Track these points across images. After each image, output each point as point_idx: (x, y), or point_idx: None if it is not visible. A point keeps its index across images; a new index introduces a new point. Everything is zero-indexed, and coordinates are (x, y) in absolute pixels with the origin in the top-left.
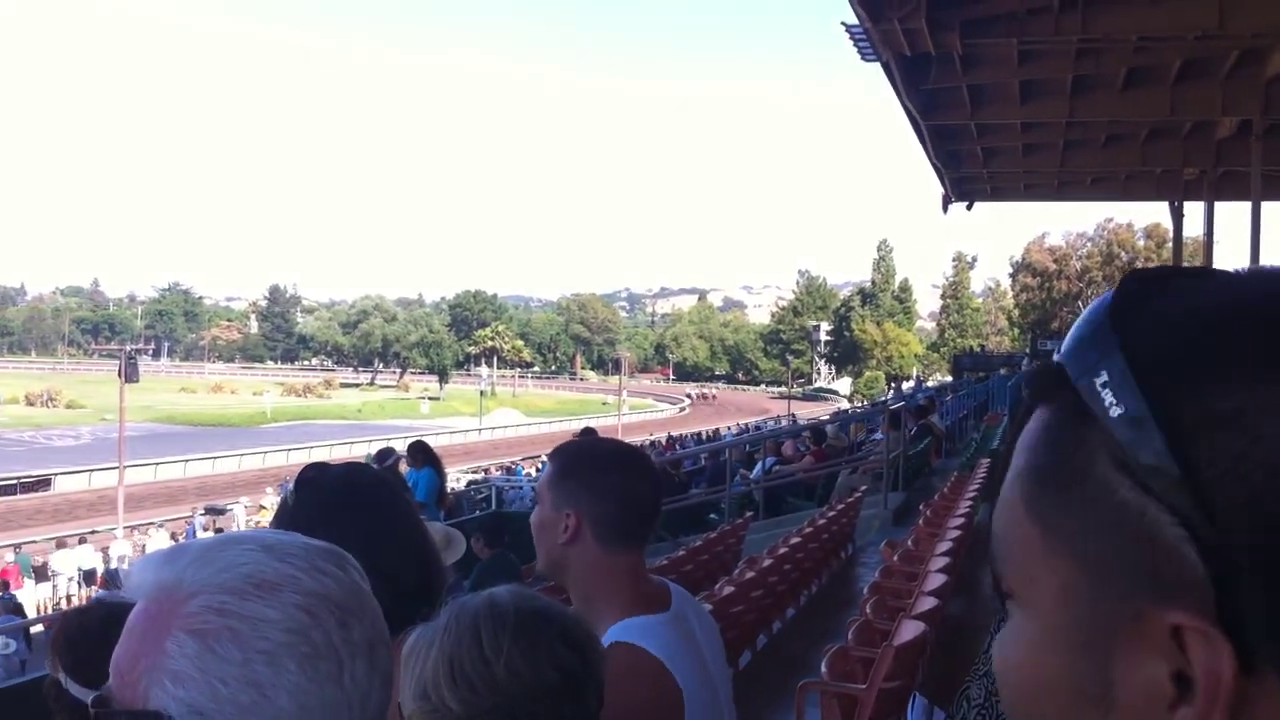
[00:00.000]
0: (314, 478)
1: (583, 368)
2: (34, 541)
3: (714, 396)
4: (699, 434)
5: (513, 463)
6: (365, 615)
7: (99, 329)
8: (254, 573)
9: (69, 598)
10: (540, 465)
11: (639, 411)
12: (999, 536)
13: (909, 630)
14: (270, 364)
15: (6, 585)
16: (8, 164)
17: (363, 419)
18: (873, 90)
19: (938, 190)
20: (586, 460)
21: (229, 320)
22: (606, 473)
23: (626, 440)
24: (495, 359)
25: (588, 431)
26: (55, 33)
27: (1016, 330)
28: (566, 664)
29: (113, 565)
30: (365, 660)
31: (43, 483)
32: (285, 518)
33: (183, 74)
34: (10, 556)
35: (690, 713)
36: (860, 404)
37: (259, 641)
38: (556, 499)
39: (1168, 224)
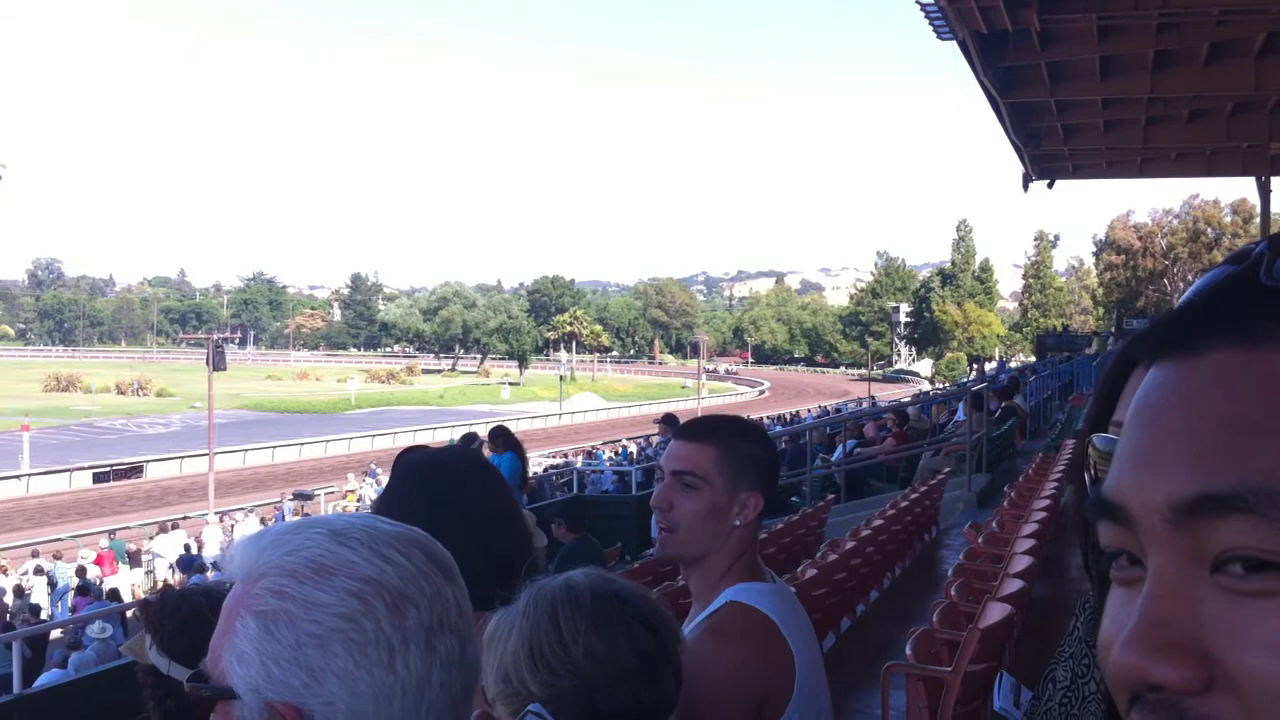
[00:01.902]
0: (410, 457)
1: (661, 352)
2: (128, 528)
3: (736, 371)
4: (779, 417)
5: (593, 447)
6: (423, 602)
7: (186, 318)
8: (315, 556)
9: (162, 582)
10: (621, 449)
11: (718, 395)
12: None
13: (994, 612)
14: (353, 351)
15: (84, 571)
16: (96, 159)
17: (444, 405)
18: (950, 69)
19: (1018, 169)
20: (750, 436)
21: (312, 308)
22: (769, 447)
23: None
24: (574, 344)
25: (669, 418)
26: (138, 27)
27: (1101, 309)
28: (643, 645)
29: (204, 550)
30: (421, 647)
31: (135, 470)
32: (383, 495)
33: (265, 66)
34: (105, 542)
35: (801, 678)
36: (942, 385)
37: (309, 625)
38: (732, 481)
39: (1254, 199)
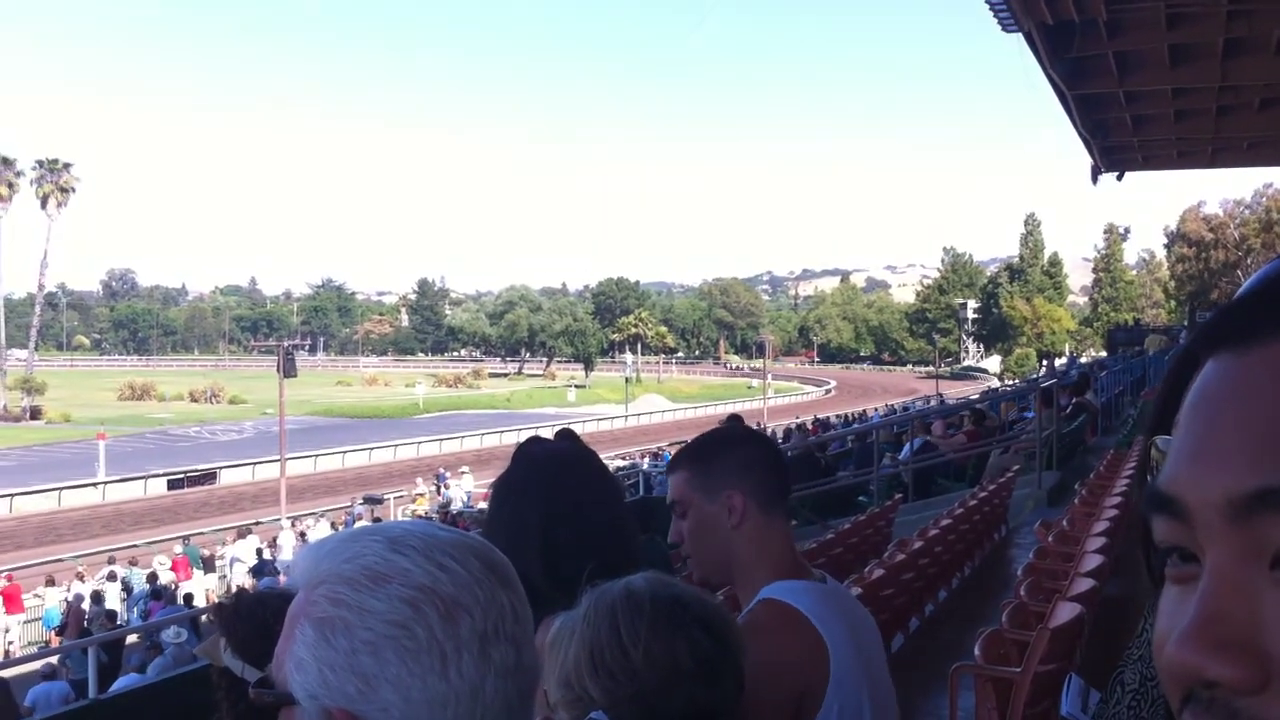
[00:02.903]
0: (530, 449)
1: (726, 352)
2: (202, 533)
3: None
4: (845, 416)
5: (660, 448)
6: (477, 609)
7: (257, 326)
8: (370, 564)
9: (236, 587)
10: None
11: (784, 394)
12: None
13: (1065, 612)
14: (421, 356)
15: (155, 577)
16: (168, 170)
17: (511, 408)
18: (1015, 61)
19: (1086, 161)
20: (713, 444)
21: (380, 314)
22: (742, 445)
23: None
24: (639, 345)
25: (733, 419)
26: (208, 37)
27: (1173, 302)
28: (704, 651)
29: (278, 555)
30: (474, 654)
31: (209, 476)
32: (499, 485)
33: (332, 75)
34: (179, 548)
35: (836, 669)
36: (1011, 382)
37: (364, 632)
38: (709, 489)
39: None
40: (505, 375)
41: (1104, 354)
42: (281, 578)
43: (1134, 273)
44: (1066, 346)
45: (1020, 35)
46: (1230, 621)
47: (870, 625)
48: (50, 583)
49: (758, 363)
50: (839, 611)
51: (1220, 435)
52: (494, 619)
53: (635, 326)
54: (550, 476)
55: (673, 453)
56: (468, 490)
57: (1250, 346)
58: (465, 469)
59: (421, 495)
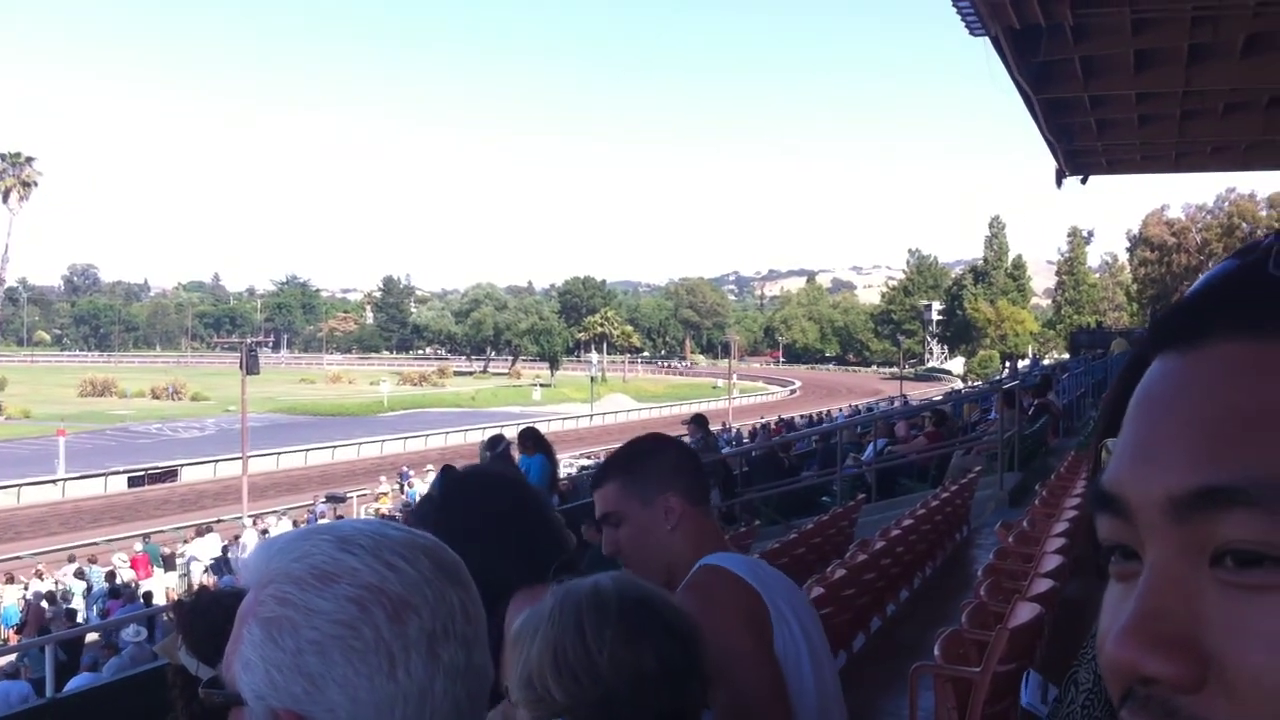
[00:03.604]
0: (451, 471)
1: (692, 352)
2: (162, 531)
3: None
4: (810, 416)
5: (592, 474)
6: (426, 609)
7: (220, 323)
8: (318, 563)
9: (197, 585)
10: None
11: (749, 394)
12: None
13: (1024, 612)
14: (386, 354)
15: (114, 575)
16: (130, 165)
17: (476, 406)
18: (981, 65)
19: (1051, 165)
20: (639, 453)
21: (345, 312)
22: (663, 451)
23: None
24: (605, 345)
25: (698, 418)
26: (171, 31)
27: (1135, 305)
28: (669, 654)
29: (239, 554)
30: (423, 654)
31: (170, 473)
32: (423, 502)
33: (295, 71)
34: (140, 546)
35: (778, 631)
36: (974, 383)
37: (310, 632)
38: (644, 496)
39: None
40: (470, 374)
41: (1066, 356)
42: (240, 577)
43: (1097, 276)
44: (1029, 348)
45: (987, 39)
46: (1168, 618)
47: (798, 590)
48: (9, 580)
49: (723, 362)
50: (770, 575)
51: (1163, 434)
52: (443, 619)
53: (601, 326)
54: (468, 494)
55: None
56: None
57: (1194, 346)
58: (430, 467)
59: (385, 494)
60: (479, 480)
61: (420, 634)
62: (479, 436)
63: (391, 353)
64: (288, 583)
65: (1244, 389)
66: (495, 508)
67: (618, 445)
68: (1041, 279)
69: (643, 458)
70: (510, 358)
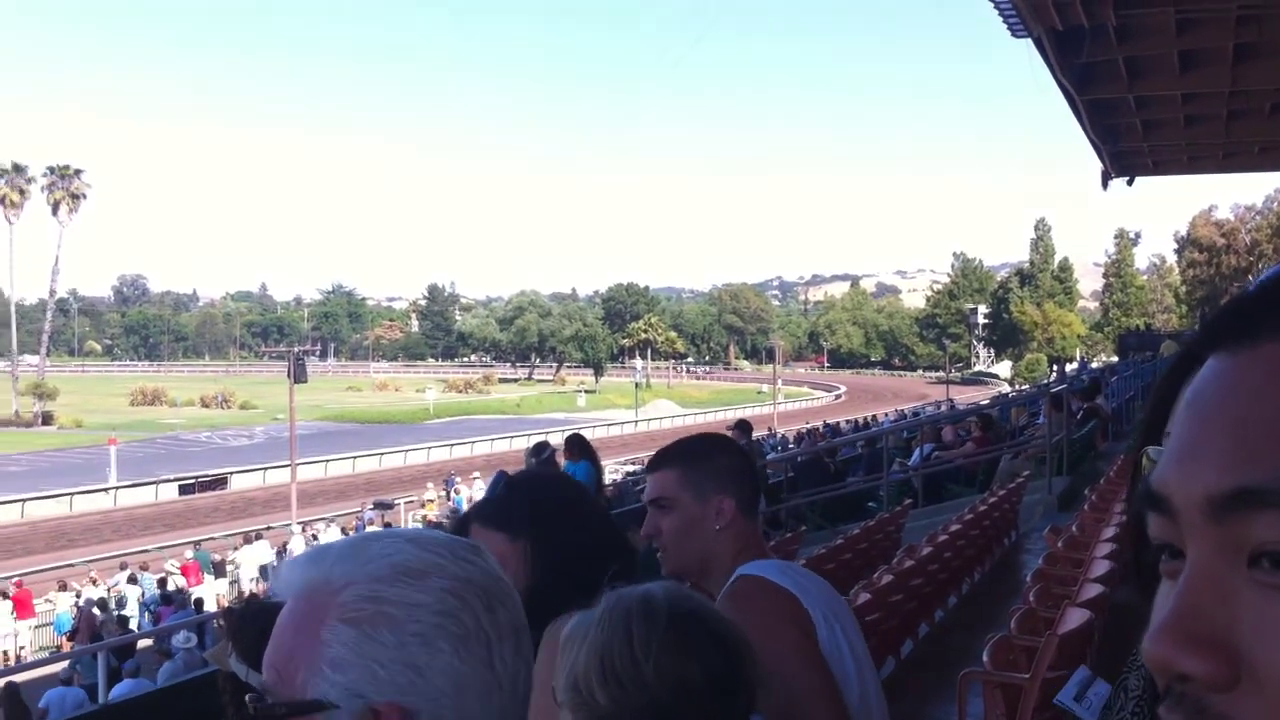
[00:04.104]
0: (514, 478)
1: (736, 358)
2: (213, 538)
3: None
4: (855, 421)
5: (652, 454)
6: (508, 601)
7: (268, 332)
8: (400, 562)
9: (247, 592)
10: None
11: (794, 400)
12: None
13: (1074, 618)
14: (431, 361)
15: (164, 582)
16: (179, 176)
17: (521, 413)
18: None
19: (1096, 166)
20: (704, 448)
21: (391, 320)
22: (730, 454)
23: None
24: (649, 351)
25: (742, 424)
26: (216, 45)
27: (1184, 307)
28: (717, 667)
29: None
30: (511, 643)
31: (220, 481)
32: (483, 505)
33: (340, 81)
34: (190, 553)
35: (823, 643)
36: (1021, 387)
37: (412, 625)
38: (699, 491)
39: None
40: (515, 381)
41: (1115, 359)
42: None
43: (1145, 278)
44: (1077, 352)
45: (1030, 41)
46: (1204, 617)
47: (836, 594)
48: (62, 588)
49: (768, 368)
50: (808, 580)
51: (1207, 434)
52: (519, 612)
53: (645, 332)
54: (533, 503)
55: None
56: (479, 496)
57: (1245, 346)
58: (475, 474)
59: (431, 500)
60: (543, 482)
61: (508, 624)
62: (524, 443)
63: (437, 360)
64: (373, 582)
65: None
66: (561, 509)
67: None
68: (1088, 281)
69: (707, 454)
70: (555, 364)
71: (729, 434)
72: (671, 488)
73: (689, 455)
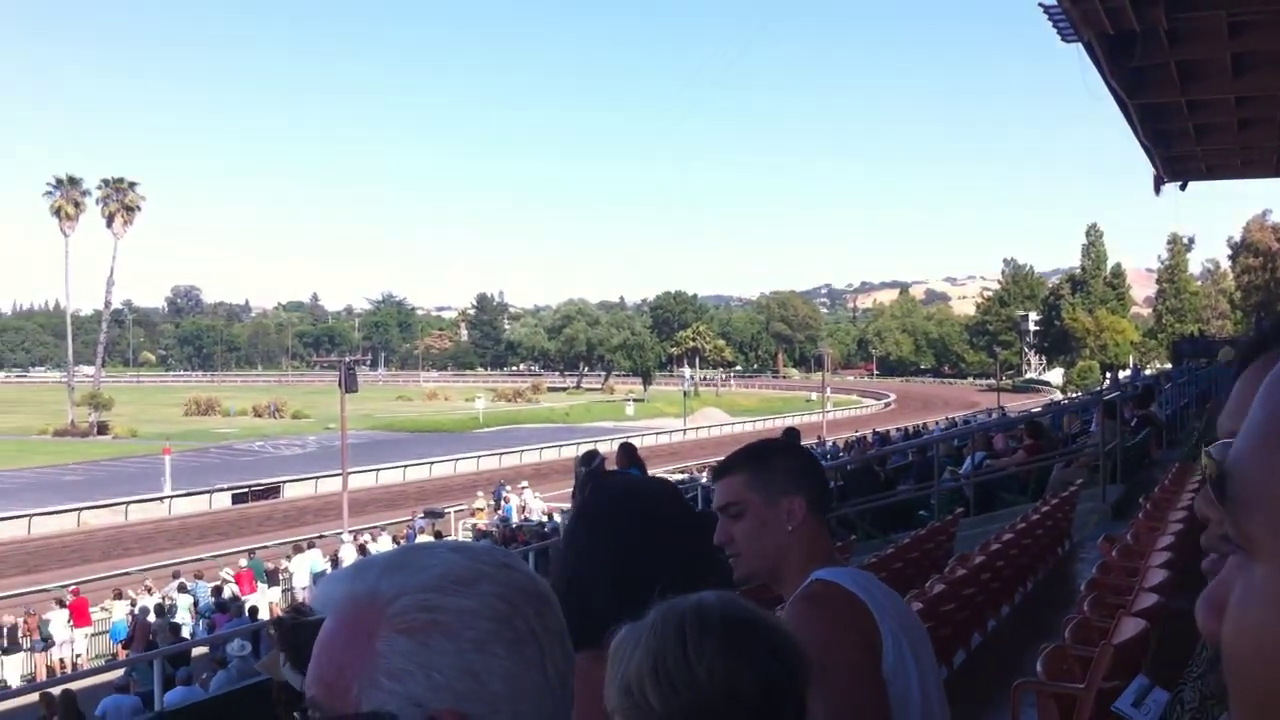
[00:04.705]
0: (605, 481)
1: (785, 365)
2: (265, 547)
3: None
4: (905, 429)
5: (718, 462)
6: (553, 605)
7: (320, 341)
8: (448, 571)
9: (301, 600)
10: None
11: (844, 408)
12: (1245, 481)
13: (1129, 628)
14: (480, 370)
15: (219, 590)
16: (231, 188)
17: (570, 422)
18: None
19: (1148, 171)
20: (772, 451)
21: (440, 329)
22: (795, 454)
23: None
24: (697, 359)
25: (790, 432)
26: (268, 57)
27: (1239, 313)
28: (770, 673)
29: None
30: (559, 647)
31: (273, 490)
32: (575, 516)
33: (386, 90)
34: (244, 562)
35: (888, 647)
36: (1074, 395)
37: (467, 631)
38: (770, 493)
39: None
40: (564, 389)
41: (1168, 366)
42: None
43: (1198, 283)
44: (1130, 358)
45: (1080, 45)
46: (1224, 585)
47: (909, 610)
48: (118, 596)
49: (816, 376)
50: (881, 593)
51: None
52: (559, 616)
53: (693, 340)
54: (624, 510)
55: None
56: (528, 504)
57: None
58: (524, 483)
59: (481, 509)
60: (634, 494)
61: (557, 628)
62: (573, 452)
63: (486, 369)
64: (424, 592)
65: None
66: (651, 526)
67: (722, 455)
68: (1141, 287)
69: (774, 455)
70: (603, 373)
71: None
72: (740, 492)
73: (755, 458)
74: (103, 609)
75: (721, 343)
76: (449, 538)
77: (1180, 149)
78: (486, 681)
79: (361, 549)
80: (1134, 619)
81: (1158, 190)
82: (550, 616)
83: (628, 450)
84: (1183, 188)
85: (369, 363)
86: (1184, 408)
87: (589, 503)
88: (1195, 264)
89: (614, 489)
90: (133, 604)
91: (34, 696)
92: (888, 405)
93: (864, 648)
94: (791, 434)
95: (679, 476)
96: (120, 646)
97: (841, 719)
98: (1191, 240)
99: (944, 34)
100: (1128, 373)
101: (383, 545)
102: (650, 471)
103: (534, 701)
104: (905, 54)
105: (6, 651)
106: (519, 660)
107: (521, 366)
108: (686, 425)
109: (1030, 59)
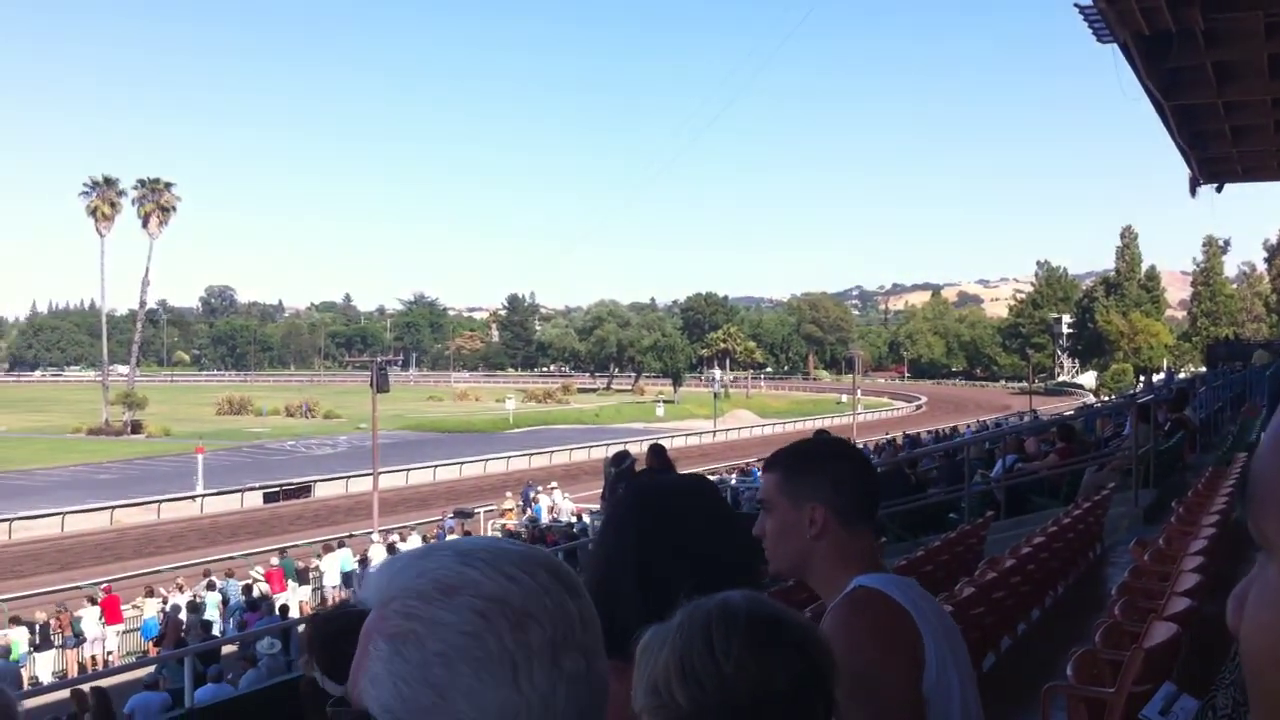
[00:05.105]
0: (639, 481)
1: (815, 367)
2: (296, 545)
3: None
4: (935, 432)
5: (748, 464)
6: (546, 618)
7: (352, 342)
8: (440, 577)
9: (330, 600)
10: None
11: (874, 410)
12: (1263, 482)
13: (1160, 632)
14: (511, 371)
15: (250, 589)
16: (265, 188)
17: (600, 423)
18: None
19: (1184, 173)
20: (812, 456)
21: (471, 330)
22: (835, 461)
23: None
24: (728, 361)
25: (821, 434)
26: (301, 59)
27: (1275, 316)
28: (798, 671)
29: (370, 568)
30: (545, 663)
31: (304, 490)
32: (607, 517)
33: (417, 91)
34: (275, 560)
35: (931, 656)
36: (1107, 398)
37: (435, 644)
38: (795, 498)
39: None
40: (594, 391)
41: (1203, 369)
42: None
43: (1234, 286)
44: (1164, 361)
45: (1116, 46)
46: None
47: (948, 616)
48: (149, 594)
49: (847, 378)
50: (923, 600)
51: None
52: (563, 628)
53: (724, 342)
54: (653, 515)
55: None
56: (558, 504)
57: None
58: (554, 484)
59: (510, 510)
60: (668, 496)
61: (543, 643)
62: (603, 453)
63: (517, 370)
64: (412, 597)
65: None
66: (683, 528)
67: (751, 457)
68: (1176, 290)
69: (806, 460)
70: (633, 374)
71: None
72: (771, 491)
73: (791, 460)
74: (134, 606)
75: (752, 344)
76: (477, 536)
77: (1216, 150)
78: (450, 699)
79: (391, 548)
80: (1166, 623)
81: (1193, 192)
82: (536, 631)
83: (658, 452)
84: (1218, 189)
85: (400, 363)
86: (1218, 411)
87: (619, 504)
88: (1231, 266)
89: (644, 490)
90: (164, 601)
91: (65, 693)
92: (919, 408)
93: (906, 658)
94: (821, 435)
95: (710, 478)
96: (151, 644)
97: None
98: (1227, 243)
99: (978, 34)
100: (1161, 376)
101: (412, 545)
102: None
103: None
104: (940, 54)
105: (39, 648)
106: (487, 679)
107: (552, 367)
108: (716, 427)
109: (1065, 60)
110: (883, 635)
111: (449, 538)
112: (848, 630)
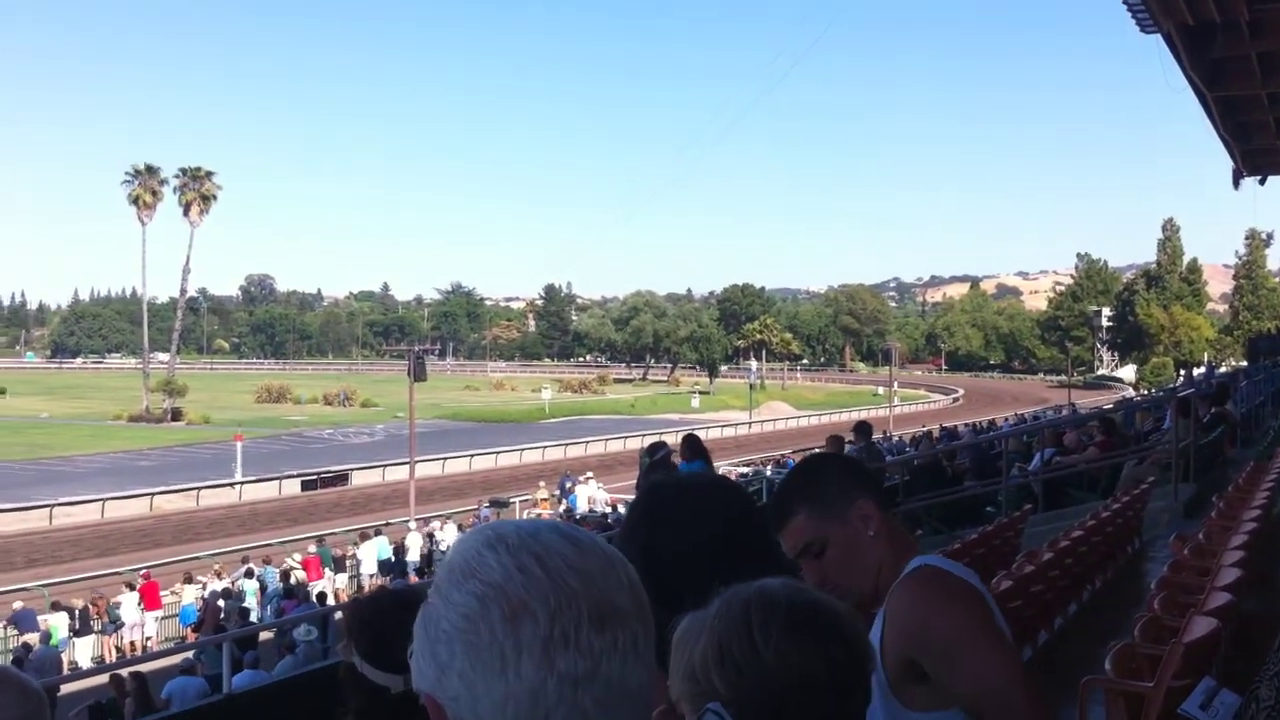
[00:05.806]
0: (646, 477)
1: (852, 359)
2: (334, 533)
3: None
4: (973, 424)
5: (783, 455)
6: (544, 614)
7: (389, 331)
8: (466, 558)
9: (369, 587)
10: None
11: (911, 402)
12: None
13: (1200, 627)
14: (547, 361)
15: (287, 576)
16: (305, 178)
17: (636, 414)
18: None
19: (1226, 165)
20: (810, 475)
21: (508, 320)
22: (838, 463)
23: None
24: (764, 352)
25: (863, 426)
26: (341, 48)
27: None
28: (836, 657)
29: (406, 555)
30: (535, 658)
31: (341, 478)
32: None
33: (456, 83)
34: (312, 548)
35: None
36: (1147, 392)
37: (443, 622)
38: (837, 514)
39: None
40: (630, 381)
41: (1245, 363)
42: (412, 577)
43: (1277, 280)
44: (1205, 355)
45: (1159, 36)
46: None
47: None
48: (188, 580)
49: (884, 370)
50: (978, 581)
51: None
52: (564, 626)
53: (760, 333)
54: (650, 511)
55: (776, 501)
56: (593, 495)
57: None
58: (589, 474)
59: (544, 499)
60: (664, 493)
61: (534, 638)
62: (638, 443)
63: (553, 360)
64: (445, 575)
65: None
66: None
67: (811, 447)
68: (1218, 283)
69: (819, 476)
70: (669, 365)
71: (833, 440)
72: (811, 529)
73: (803, 490)
74: (172, 593)
75: (788, 336)
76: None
77: (1260, 142)
78: (448, 675)
79: (428, 537)
80: (1205, 618)
81: (1236, 184)
82: (529, 625)
83: (692, 442)
84: (1262, 182)
85: (437, 352)
86: (1259, 406)
87: (631, 507)
88: (1274, 260)
89: (654, 489)
90: (203, 588)
91: (104, 678)
92: (956, 400)
93: (988, 615)
94: (862, 428)
95: (744, 470)
96: (190, 629)
97: (989, 686)
98: (1270, 236)
99: (1019, 25)
100: (1202, 370)
101: (449, 534)
102: (715, 464)
103: (494, 708)
104: (979, 45)
105: (78, 633)
106: (475, 664)
107: (588, 358)
108: (752, 418)
109: (1108, 51)
110: (960, 600)
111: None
112: (927, 602)
